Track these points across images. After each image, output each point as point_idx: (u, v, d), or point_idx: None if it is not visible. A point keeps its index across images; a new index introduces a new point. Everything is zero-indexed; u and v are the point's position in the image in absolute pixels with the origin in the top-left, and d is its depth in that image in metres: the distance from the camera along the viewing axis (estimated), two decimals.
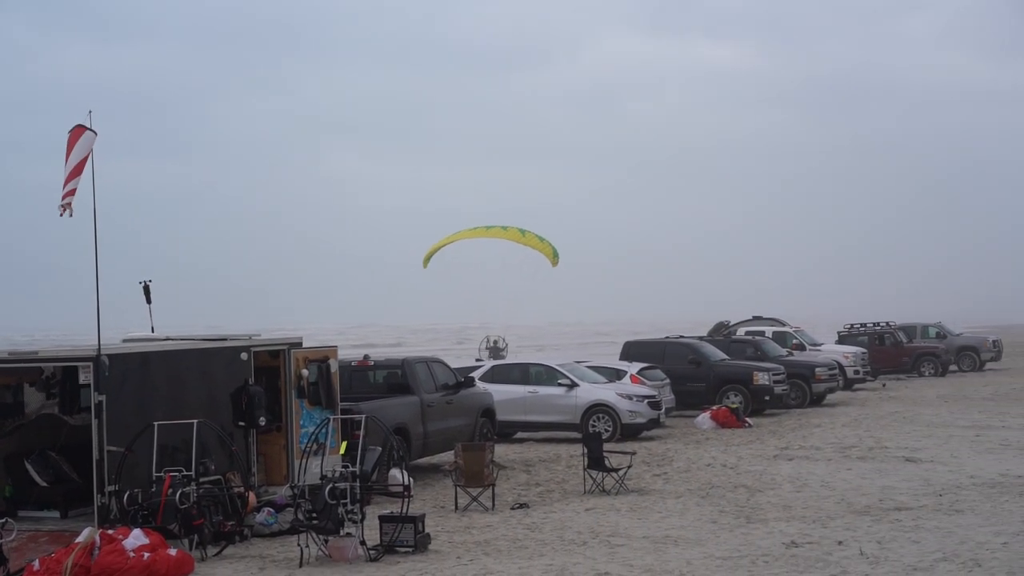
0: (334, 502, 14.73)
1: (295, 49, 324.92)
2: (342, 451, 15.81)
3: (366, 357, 23.71)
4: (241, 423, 17.48)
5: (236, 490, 16.25)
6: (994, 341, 57.15)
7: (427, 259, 38.87)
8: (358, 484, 14.94)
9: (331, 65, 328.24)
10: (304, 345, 19.40)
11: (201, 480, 15.56)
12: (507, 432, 28.78)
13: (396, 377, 23.02)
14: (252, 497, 16.58)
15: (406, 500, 15.46)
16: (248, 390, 17.49)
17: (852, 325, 53.12)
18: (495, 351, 41.21)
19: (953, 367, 53.67)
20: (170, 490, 15.00)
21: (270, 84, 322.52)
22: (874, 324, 52.77)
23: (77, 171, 16.02)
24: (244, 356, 17.85)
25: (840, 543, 14.94)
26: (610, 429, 28.02)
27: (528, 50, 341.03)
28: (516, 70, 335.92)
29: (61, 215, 15.86)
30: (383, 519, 15.36)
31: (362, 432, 15.71)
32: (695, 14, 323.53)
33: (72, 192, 15.96)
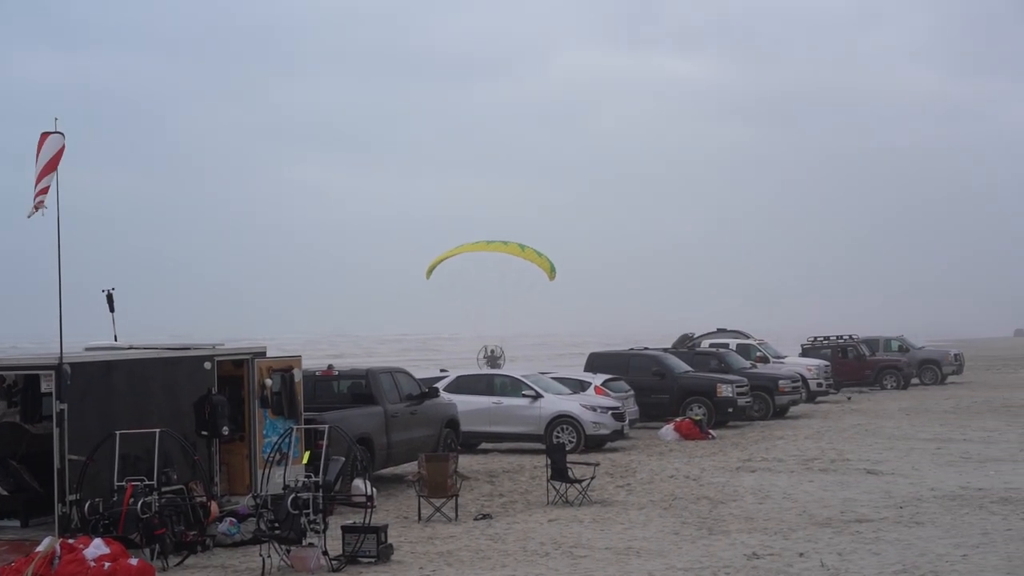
0: (297, 512, 14.70)
1: (266, 58, 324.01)
2: (305, 461, 15.79)
3: (330, 367, 23.67)
4: (204, 432, 17.41)
5: (198, 500, 16.19)
6: (956, 355, 57.59)
7: (430, 271, 39.76)
8: (321, 494, 14.92)
9: (302, 75, 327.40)
10: (268, 355, 19.36)
11: (163, 490, 15.50)
12: (471, 443, 28.78)
13: (360, 387, 23.01)
14: (214, 507, 16.54)
15: (369, 510, 15.45)
16: (211, 399, 17.43)
17: (815, 338, 53.44)
18: (492, 360, 41.47)
19: (915, 380, 53.98)
20: (132, 499, 14.93)
21: (241, 93, 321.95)
22: (837, 337, 53.11)
23: (48, 169, 15.93)
24: (207, 365, 17.79)
25: (801, 555, 15.02)
26: (574, 440, 28.06)
27: (493, 62, 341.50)
28: (481, 82, 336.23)
29: (30, 216, 15.75)
30: (346, 529, 15.34)
31: (325, 442, 15.69)
32: (660, 28, 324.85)
33: (44, 191, 15.85)
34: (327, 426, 16.49)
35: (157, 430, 15.79)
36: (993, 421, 33.62)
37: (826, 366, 46.59)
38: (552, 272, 38.82)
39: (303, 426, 18.42)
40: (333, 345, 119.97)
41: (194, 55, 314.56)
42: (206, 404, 17.37)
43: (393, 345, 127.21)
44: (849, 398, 46.77)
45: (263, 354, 19.18)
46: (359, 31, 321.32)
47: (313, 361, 26.58)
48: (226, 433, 17.65)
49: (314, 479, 15.04)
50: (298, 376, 19.47)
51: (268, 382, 18.75)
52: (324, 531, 14.92)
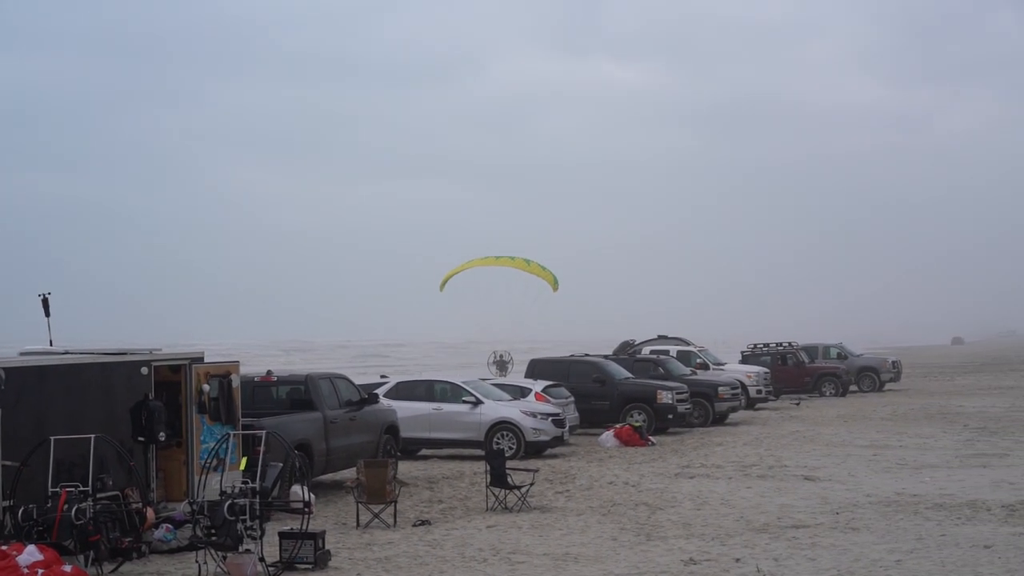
0: (233, 518, 14.60)
1: (202, 61, 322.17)
2: (242, 467, 15.70)
3: (269, 373, 23.54)
4: (140, 438, 17.28)
5: (134, 506, 16.07)
6: (893, 362, 58.17)
7: (443, 284, 42.14)
8: (258, 500, 14.84)
9: (238, 78, 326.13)
10: (206, 360, 19.24)
11: (98, 496, 15.35)
12: (411, 449, 28.74)
13: (299, 393, 22.87)
14: (150, 513, 16.41)
15: (306, 516, 15.39)
16: (148, 405, 17.31)
17: (755, 345, 53.79)
18: (501, 365, 42.40)
19: (853, 387, 54.45)
20: (66, 506, 14.78)
21: (176, 96, 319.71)
22: (777, 344, 53.47)
23: None
24: (144, 371, 17.67)
25: (738, 560, 15.12)
26: (514, 447, 28.07)
27: (433, 67, 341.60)
28: (421, 87, 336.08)
29: None
30: (283, 535, 15.28)
31: (262, 448, 15.62)
32: (599, 35, 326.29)
33: None
34: (265, 432, 16.40)
35: (92, 436, 15.65)
36: (929, 428, 33.96)
37: (765, 373, 46.86)
38: (555, 284, 41.47)
39: (241, 432, 18.33)
40: (269, 352, 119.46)
41: (126, 57, 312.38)
42: (143, 410, 17.25)
43: (342, 352, 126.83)
44: (797, 403, 47.15)
45: (201, 359, 19.06)
46: (296, 34, 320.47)
47: (253, 367, 26.46)
48: (163, 439, 17.52)
49: (251, 485, 14.96)
50: (236, 382, 19.36)
51: (206, 388, 18.63)
52: (261, 537, 14.84)
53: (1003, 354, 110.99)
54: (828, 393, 51.72)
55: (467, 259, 42.02)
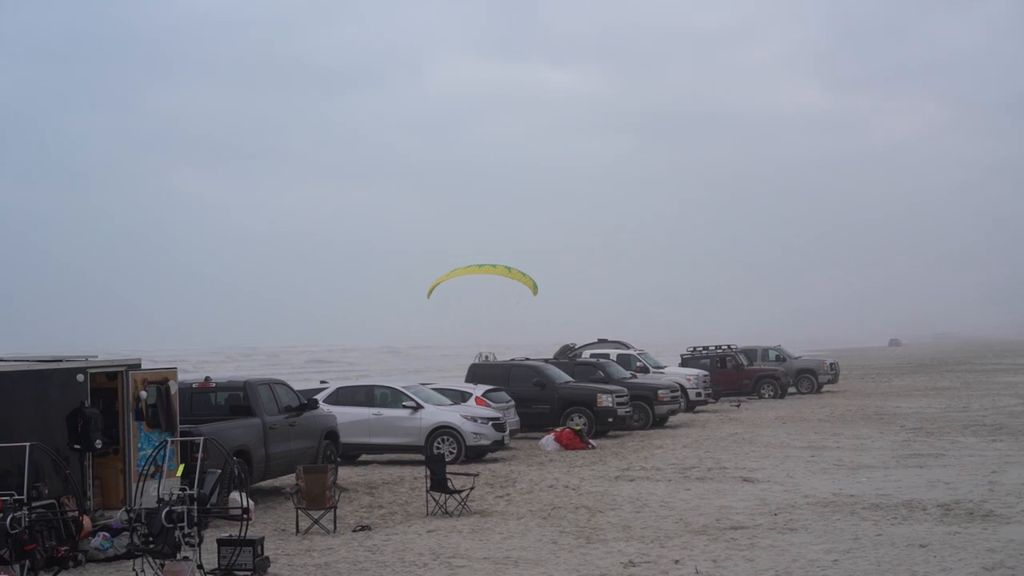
0: (171, 525, 14.48)
1: (142, 65, 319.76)
2: (179, 474, 15.58)
3: (207, 379, 23.39)
4: (76, 446, 17.11)
5: (70, 514, 15.89)
6: (831, 364, 58.66)
7: (430, 291, 44.20)
8: (196, 507, 14.74)
9: (179, 82, 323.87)
10: (143, 367, 19.09)
11: (34, 504, 15.17)
12: (351, 454, 28.67)
13: (238, 399, 22.77)
14: (87, 521, 16.23)
15: (245, 523, 15.31)
16: (84, 412, 17.14)
17: (695, 348, 54.07)
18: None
19: (792, 389, 54.88)
20: (1, 514, 14.61)
21: (116, 101, 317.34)
22: (716, 347, 53.76)
23: None
24: (80, 378, 17.50)
25: (677, 562, 15.19)
26: (455, 451, 28.06)
27: (370, 71, 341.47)
28: (359, 90, 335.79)
29: None
30: (221, 542, 15.18)
31: (200, 454, 15.51)
32: (537, 40, 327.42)
33: None
34: (203, 438, 16.29)
35: (27, 444, 15.47)
36: (866, 429, 34.27)
37: (705, 376, 47.15)
38: (535, 288, 43.68)
39: (179, 438, 18.20)
40: (216, 358, 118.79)
41: (66, 60, 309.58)
42: (79, 417, 17.08)
43: (289, 357, 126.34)
44: (737, 405, 47.44)
45: (138, 366, 18.91)
46: (233, 38, 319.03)
47: (192, 375, 26.29)
48: (99, 446, 17.36)
49: (189, 492, 14.85)
50: (174, 388, 19.21)
51: (143, 394, 18.49)
52: (199, 545, 14.73)
53: (939, 356, 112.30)
54: (767, 395, 52.09)
55: (452, 267, 44.20)
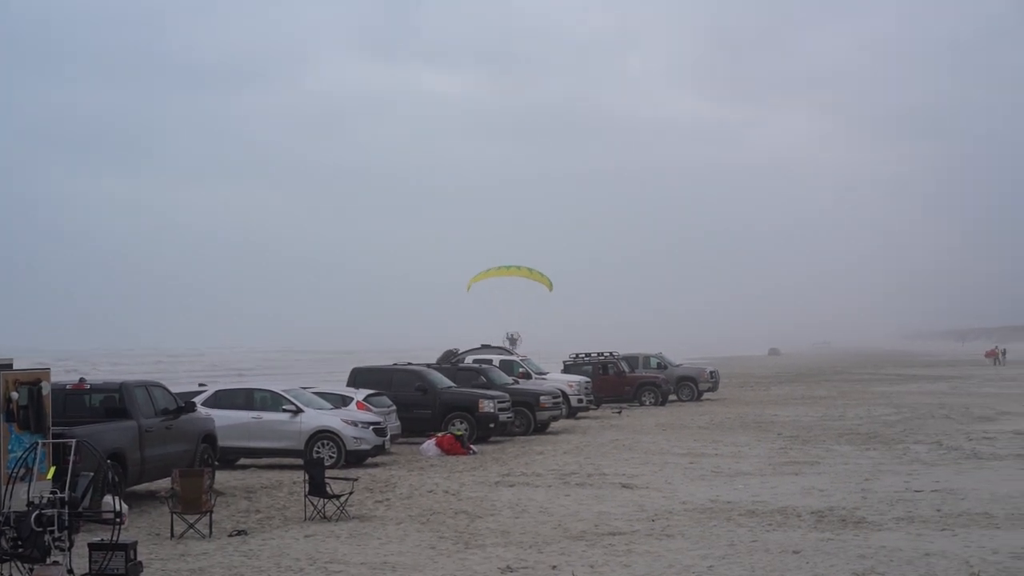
0: (41, 529, 14.19)
1: (17, 60, 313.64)
2: (50, 476, 15.27)
3: (82, 380, 22.98)
4: None
5: None
6: (711, 372, 59.38)
7: (469, 286, 52.77)
8: (67, 511, 14.46)
9: (46, 79, 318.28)
10: (15, 367, 18.67)
11: None
12: (229, 458, 28.34)
13: (113, 401, 22.38)
14: None
15: (118, 527, 15.04)
16: None
17: (577, 354, 54.32)
18: (512, 341, 50.53)
19: (673, 396, 55.41)
20: None
21: None
22: (598, 354, 54.07)
23: None
24: None
25: (554, 567, 15.23)
26: (335, 456, 27.87)
27: (251, 70, 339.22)
28: (239, 89, 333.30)
29: None
30: (92, 547, 14.89)
31: (72, 457, 15.22)
32: (418, 43, 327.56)
33: None
34: (75, 440, 15.99)
35: None
36: (744, 436, 34.71)
37: (587, 382, 47.41)
38: (551, 286, 52.45)
39: (50, 441, 17.83)
40: (85, 361, 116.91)
41: None
42: None
43: (158, 359, 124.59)
44: (618, 412, 47.78)
45: (9, 366, 18.48)
46: (111, 33, 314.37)
47: (67, 375, 25.80)
48: None
49: (60, 495, 14.57)
50: (46, 389, 18.81)
51: (14, 395, 18.06)
52: (70, 549, 14.45)
53: (817, 365, 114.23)
54: (648, 402, 52.52)
55: (485, 267, 53.26)
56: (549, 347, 73.19)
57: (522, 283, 51.10)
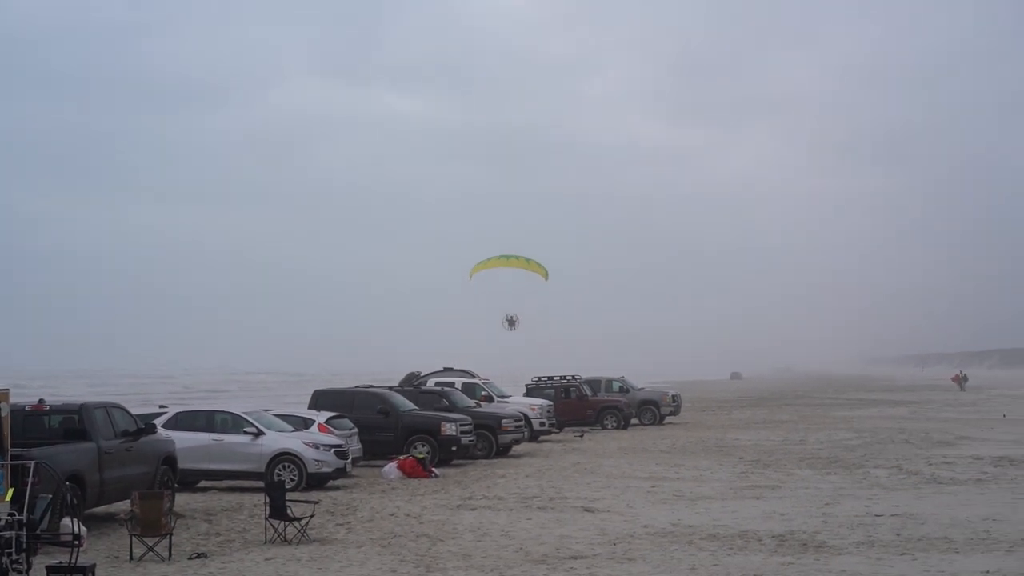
0: None
1: None
2: (8, 498, 15.15)
3: (41, 401, 22.79)
4: None
5: None
6: (673, 396, 59.42)
7: (472, 273, 52.80)
8: (25, 533, 14.35)
9: (6, 94, 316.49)
10: None
11: None
12: (190, 481, 28.17)
13: (73, 423, 22.19)
14: None
15: (76, 549, 14.94)
16: None
17: (539, 378, 54.29)
18: (511, 323, 52.49)
19: (635, 420, 55.47)
20: None
21: None
22: (560, 377, 54.09)
23: None
24: None
25: None
26: (296, 478, 27.75)
27: (211, 90, 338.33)
28: (198, 109, 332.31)
29: None
30: (51, 569, 14.80)
31: (31, 479, 15.11)
32: (381, 65, 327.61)
33: None
34: (34, 462, 15.87)
35: None
36: (706, 460, 34.77)
37: (549, 406, 47.39)
38: (546, 275, 52.98)
39: (8, 462, 17.68)
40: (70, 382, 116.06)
41: None
42: None
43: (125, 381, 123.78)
44: (580, 435, 47.81)
45: None
46: (65, 51, 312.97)
47: (25, 397, 25.62)
48: None
49: (18, 517, 14.46)
50: (5, 410, 18.62)
51: None
52: (27, 571, 14.36)
53: (779, 389, 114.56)
54: (610, 426, 52.54)
55: (487, 255, 53.16)
56: (512, 370, 73.19)
57: (521, 273, 52.37)
